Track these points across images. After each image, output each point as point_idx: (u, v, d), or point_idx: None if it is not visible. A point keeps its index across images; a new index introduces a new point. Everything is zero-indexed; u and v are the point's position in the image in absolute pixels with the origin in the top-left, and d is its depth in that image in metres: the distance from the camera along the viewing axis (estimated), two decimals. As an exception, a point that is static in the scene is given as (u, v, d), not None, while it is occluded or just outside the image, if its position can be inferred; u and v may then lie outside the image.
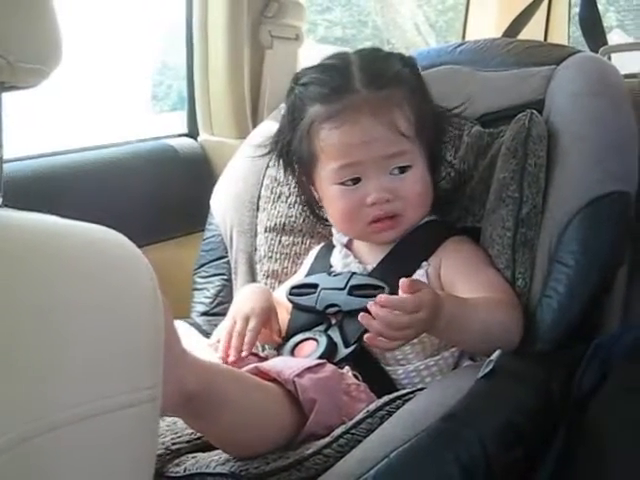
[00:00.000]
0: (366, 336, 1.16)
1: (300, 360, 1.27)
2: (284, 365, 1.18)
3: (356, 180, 1.35)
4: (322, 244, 1.53)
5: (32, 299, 0.66)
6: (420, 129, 1.36)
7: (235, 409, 1.08)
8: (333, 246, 1.48)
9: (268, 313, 1.38)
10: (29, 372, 0.65)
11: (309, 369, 1.17)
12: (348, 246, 1.46)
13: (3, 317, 0.64)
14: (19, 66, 0.94)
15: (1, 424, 0.62)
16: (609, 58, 2.17)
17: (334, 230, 1.49)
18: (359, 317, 1.16)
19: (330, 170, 1.36)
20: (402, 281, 1.15)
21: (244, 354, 1.30)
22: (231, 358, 1.30)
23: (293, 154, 1.42)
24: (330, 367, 1.22)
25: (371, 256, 1.41)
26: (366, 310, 1.16)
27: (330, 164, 1.36)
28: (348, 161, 1.34)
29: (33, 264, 0.68)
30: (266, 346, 1.45)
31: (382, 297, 1.14)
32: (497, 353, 1.18)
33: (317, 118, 1.35)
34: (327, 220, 1.48)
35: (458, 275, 1.33)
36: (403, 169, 1.35)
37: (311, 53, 2.29)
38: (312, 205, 1.49)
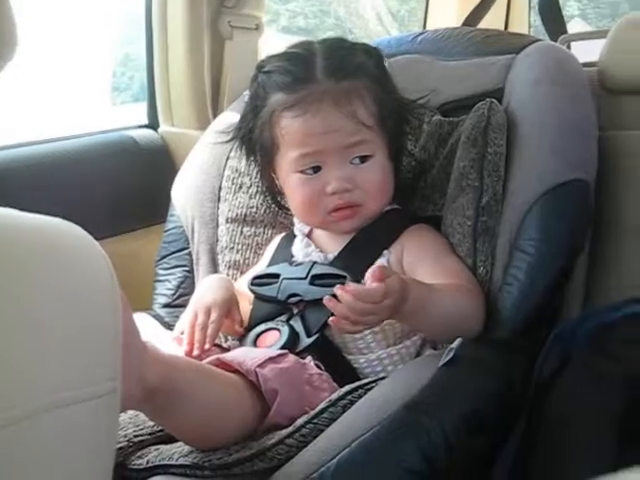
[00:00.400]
0: (331, 319, 1.15)
1: (262, 350, 1.27)
2: (246, 356, 1.18)
3: (317, 169, 1.35)
4: (283, 234, 1.53)
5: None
6: (382, 119, 1.37)
7: (197, 402, 1.08)
8: (294, 236, 1.48)
9: (229, 304, 1.37)
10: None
11: (271, 359, 1.17)
12: (309, 235, 1.46)
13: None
14: (-28, 57, 0.92)
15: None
16: (569, 47, 2.19)
17: (295, 220, 1.49)
18: (324, 300, 1.14)
19: (290, 158, 1.36)
20: (371, 269, 1.14)
21: (207, 347, 1.30)
22: (195, 352, 1.29)
23: (255, 142, 1.42)
24: (292, 357, 1.22)
25: (332, 245, 1.42)
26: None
27: (291, 152, 1.36)
28: (308, 150, 1.34)
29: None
30: (229, 337, 1.45)
31: (350, 286, 1.13)
32: (458, 341, 1.19)
33: (278, 107, 1.35)
34: (288, 209, 1.49)
35: (420, 262, 1.34)
36: (364, 159, 1.35)
37: (273, 43, 2.29)
38: (274, 194, 1.49)
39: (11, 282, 0.67)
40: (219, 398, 1.12)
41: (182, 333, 1.34)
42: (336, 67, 1.35)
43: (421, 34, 1.69)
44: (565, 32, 2.40)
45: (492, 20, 2.62)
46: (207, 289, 1.41)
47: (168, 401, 1.04)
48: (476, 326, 1.27)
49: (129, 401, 0.98)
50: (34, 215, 0.74)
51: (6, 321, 0.66)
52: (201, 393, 1.09)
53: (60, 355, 0.70)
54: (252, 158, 1.48)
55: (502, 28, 2.98)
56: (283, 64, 1.37)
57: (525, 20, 3.18)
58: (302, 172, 1.36)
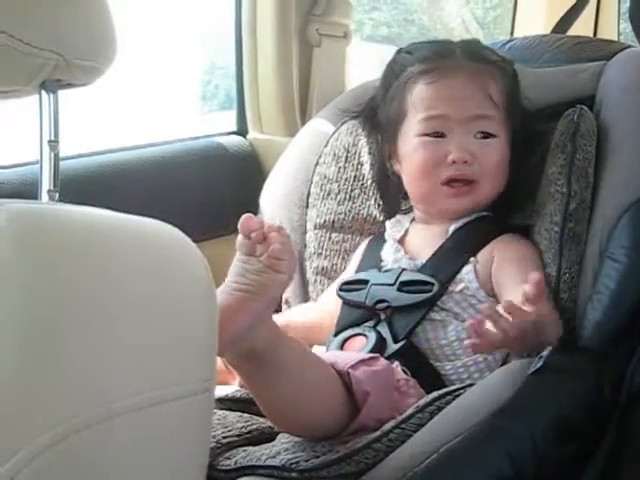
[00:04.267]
0: (471, 341, 1.13)
1: (352, 353, 1.28)
2: (337, 357, 1.19)
3: (440, 135, 1.38)
4: (370, 237, 1.54)
5: (87, 291, 0.67)
6: (509, 109, 1.41)
7: (294, 378, 1.09)
8: (383, 240, 1.48)
9: None
10: (82, 363, 0.66)
11: (363, 362, 1.17)
12: (400, 242, 1.46)
13: (59, 309, 0.65)
14: (74, 63, 0.96)
15: (52, 416, 0.63)
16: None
17: (387, 225, 1.50)
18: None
19: (416, 122, 1.40)
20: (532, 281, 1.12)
21: None
22: None
23: (381, 116, 1.49)
24: (383, 361, 1.23)
25: (422, 252, 1.42)
26: (413, 305, 1.22)
27: (417, 116, 1.40)
28: (435, 113, 1.39)
29: (91, 257, 0.69)
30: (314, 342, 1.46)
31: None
32: (548, 349, 1.18)
33: (413, 75, 1.42)
34: (389, 201, 1.52)
35: (507, 275, 1.33)
36: (487, 135, 1.38)
37: (357, 52, 2.29)
38: (383, 175, 1.52)
39: (117, 282, 0.69)
40: (315, 382, 1.13)
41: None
42: (473, 51, 1.43)
43: (510, 41, 1.69)
44: (657, 39, 2.36)
45: (581, 27, 2.59)
46: None
47: (268, 368, 1.07)
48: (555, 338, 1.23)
49: (234, 355, 1.05)
50: (136, 217, 0.75)
51: (108, 319, 0.68)
52: (299, 370, 1.10)
53: (158, 354, 0.72)
54: (372, 135, 1.54)
55: (591, 35, 2.94)
56: (424, 45, 1.47)
57: (614, 27, 3.13)
58: (426, 135, 1.39)
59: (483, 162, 1.38)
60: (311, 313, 1.51)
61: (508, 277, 1.32)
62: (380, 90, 1.50)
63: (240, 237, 1.09)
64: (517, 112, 1.43)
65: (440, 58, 1.42)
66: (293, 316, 1.49)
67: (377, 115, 1.51)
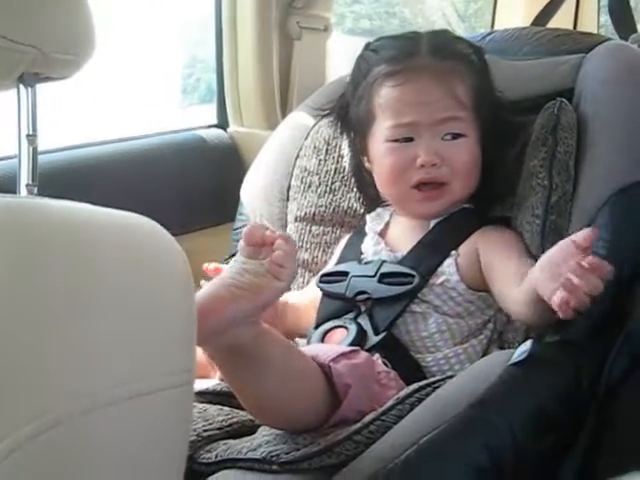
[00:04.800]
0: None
1: (333, 346, 1.28)
2: (318, 350, 1.19)
3: (409, 139, 1.38)
4: (352, 232, 1.54)
5: (68, 284, 0.67)
6: (478, 107, 1.40)
7: (277, 373, 1.09)
8: (364, 234, 1.48)
9: None
10: (64, 355, 0.66)
11: (344, 355, 1.18)
12: (381, 234, 1.46)
13: (39, 301, 0.65)
14: (53, 57, 0.95)
15: (34, 407, 0.63)
16: (639, 46, 2.16)
17: (368, 218, 1.50)
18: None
19: (385, 128, 1.40)
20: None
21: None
22: None
23: (351, 116, 1.48)
24: (364, 354, 1.23)
25: (402, 244, 1.42)
26: (394, 297, 1.23)
27: (386, 122, 1.40)
28: (403, 120, 1.38)
29: (70, 251, 0.69)
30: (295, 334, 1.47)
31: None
32: (528, 341, 1.18)
33: (380, 76, 1.41)
34: (368, 195, 1.52)
35: (498, 258, 1.33)
36: (455, 136, 1.38)
37: (339, 45, 2.29)
38: (360, 174, 1.52)
39: (96, 274, 0.69)
40: (297, 375, 1.13)
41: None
42: (440, 48, 1.41)
43: (490, 34, 1.69)
44: (636, 31, 2.37)
45: (561, 20, 2.60)
46: None
47: (250, 361, 1.06)
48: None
49: (214, 346, 1.05)
50: (115, 211, 0.76)
51: (87, 311, 0.68)
52: (282, 364, 1.10)
53: (139, 346, 0.72)
54: (345, 134, 1.53)
55: (571, 28, 2.95)
56: (390, 42, 1.46)
57: (594, 20, 3.15)
58: (394, 141, 1.39)
59: (452, 163, 1.38)
60: (303, 298, 1.50)
61: (500, 264, 1.33)
62: (349, 87, 1.50)
63: (242, 242, 1.10)
64: (488, 106, 1.42)
65: (405, 58, 1.40)
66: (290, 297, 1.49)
67: (348, 112, 1.50)
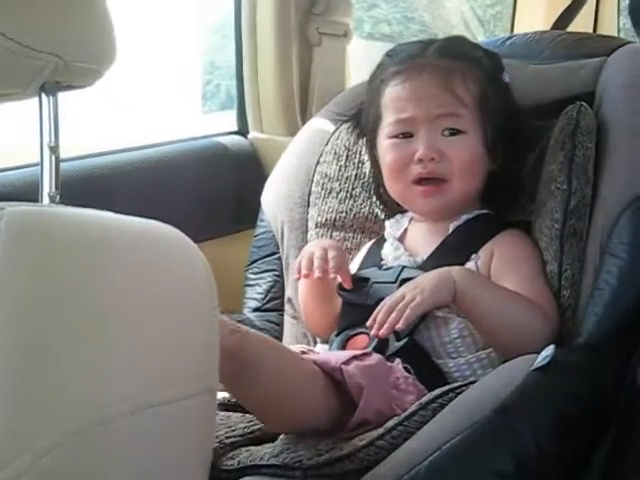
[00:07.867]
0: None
1: (345, 351, 1.30)
2: (329, 356, 1.20)
3: (409, 135, 1.39)
4: (373, 240, 1.54)
5: (89, 294, 0.68)
6: (482, 108, 1.40)
7: (271, 375, 1.10)
8: (384, 241, 1.48)
9: (344, 255, 1.44)
10: (82, 366, 0.66)
11: (355, 357, 1.18)
12: (401, 239, 1.46)
13: (60, 312, 0.65)
14: (74, 66, 0.96)
15: (52, 419, 0.63)
16: (660, 49, 2.14)
17: (387, 224, 1.50)
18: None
19: (387, 125, 1.42)
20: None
21: (331, 276, 1.37)
22: (316, 274, 1.36)
23: (364, 118, 1.51)
24: (377, 356, 1.23)
25: (422, 249, 1.42)
26: None
27: (388, 119, 1.42)
28: (402, 116, 1.39)
29: (91, 260, 0.69)
30: (317, 340, 1.46)
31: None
32: (551, 346, 1.18)
33: (386, 77, 1.43)
34: (384, 202, 1.53)
35: (505, 271, 1.34)
36: (455, 132, 1.38)
37: (357, 50, 2.29)
38: (378, 179, 1.52)
39: (117, 282, 0.70)
40: (294, 376, 1.13)
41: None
42: (447, 50, 1.42)
43: (510, 38, 1.69)
44: (656, 34, 2.35)
45: (581, 23, 2.59)
46: (318, 241, 1.50)
47: (243, 368, 1.07)
48: (538, 346, 1.21)
49: None
50: (136, 218, 0.76)
51: (108, 319, 0.68)
52: (275, 366, 1.11)
53: (161, 354, 0.72)
54: (363, 139, 1.56)
55: (591, 31, 2.94)
56: (405, 46, 1.48)
57: (614, 23, 3.13)
58: (395, 137, 1.41)
59: (453, 159, 1.38)
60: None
61: (505, 278, 1.33)
62: (367, 93, 1.51)
63: None
64: (495, 107, 1.41)
65: (411, 59, 1.42)
66: None
67: (362, 118, 1.53)
